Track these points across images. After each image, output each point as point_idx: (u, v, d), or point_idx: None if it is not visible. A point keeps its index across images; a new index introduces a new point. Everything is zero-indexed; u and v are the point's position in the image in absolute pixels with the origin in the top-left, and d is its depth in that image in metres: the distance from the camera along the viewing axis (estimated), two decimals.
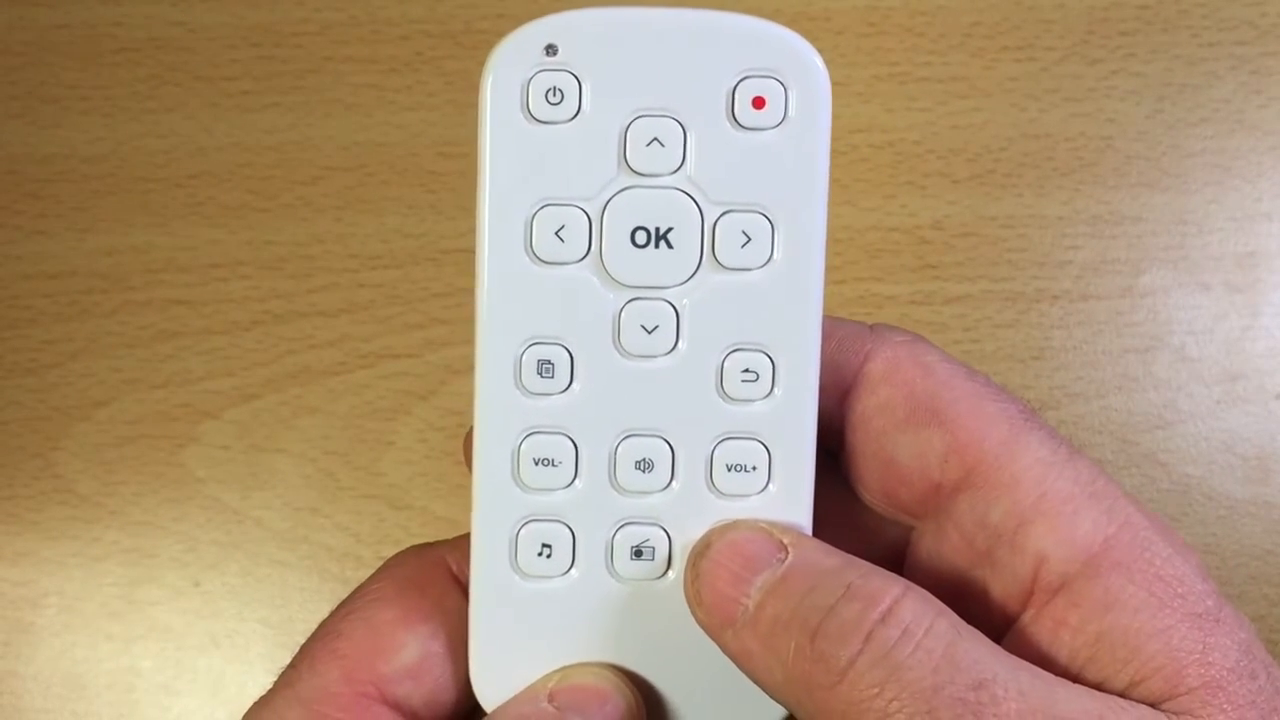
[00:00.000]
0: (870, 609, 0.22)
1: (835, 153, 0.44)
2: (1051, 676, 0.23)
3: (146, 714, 0.45)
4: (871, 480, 0.26)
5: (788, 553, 0.24)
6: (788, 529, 0.24)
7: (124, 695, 0.45)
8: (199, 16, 0.46)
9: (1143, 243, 0.45)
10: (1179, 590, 0.23)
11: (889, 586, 0.23)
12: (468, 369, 0.46)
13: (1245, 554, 0.44)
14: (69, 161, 0.46)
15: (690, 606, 0.24)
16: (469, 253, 0.49)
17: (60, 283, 0.46)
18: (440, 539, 0.28)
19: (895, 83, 0.45)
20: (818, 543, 0.24)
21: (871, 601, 0.22)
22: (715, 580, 0.24)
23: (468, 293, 0.45)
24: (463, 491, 0.44)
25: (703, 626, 0.24)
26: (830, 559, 0.24)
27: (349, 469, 0.45)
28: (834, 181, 0.43)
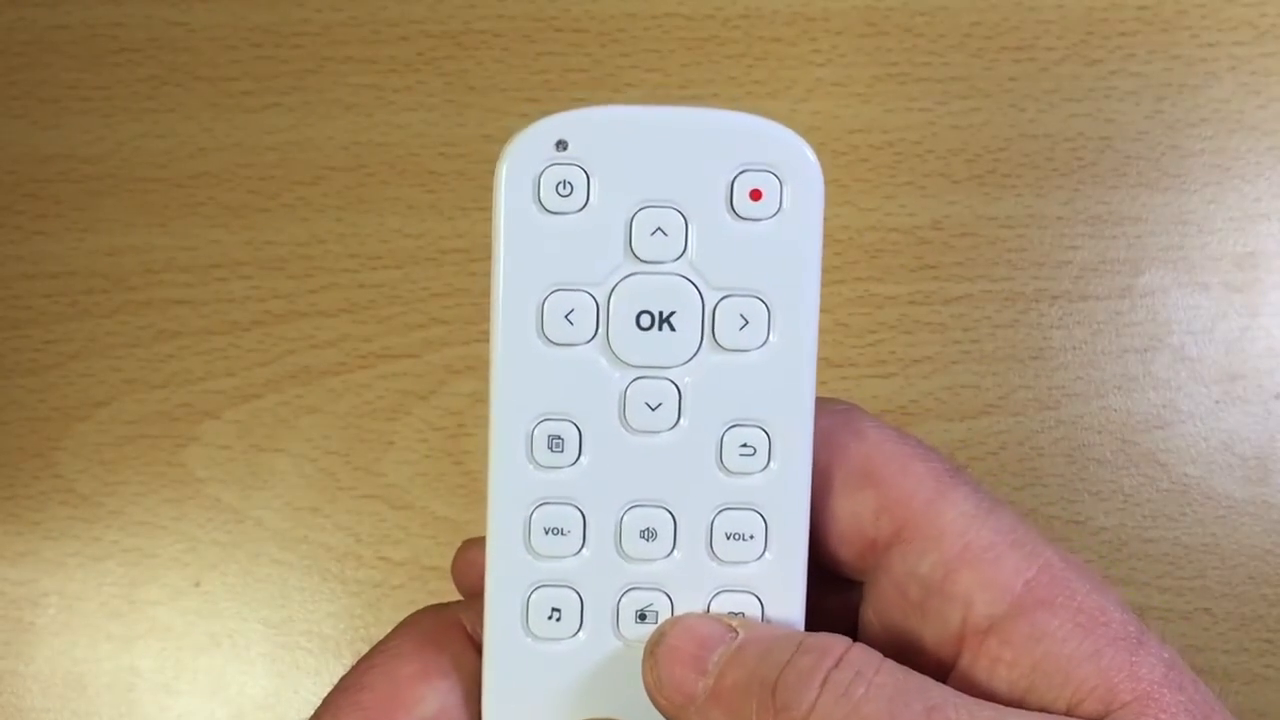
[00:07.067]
0: (824, 658, 0.24)
1: (835, 153, 0.45)
2: (999, 705, 0.24)
3: (146, 714, 0.45)
4: (814, 542, 0.27)
5: (738, 632, 0.25)
6: (734, 615, 0.26)
7: (124, 695, 0.45)
8: (199, 16, 0.46)
9: (1142, 243, 0.45)
10: (1101, 619, 0.25)
11: (837, 641, 0.24)
12: (467, 369, 0.46)
13: (1245, 554, 0.44)
14: (69, 161, 0.46)
15: (650, 694, 0.25)
16: (468, 253, 0.49)
17: (60, 283, 0.46)
18: (453, 601, 0.29)
19: (895, 83, 0.45)
20: (765, 623, 0.26)
21: (824, 653, 0.24)
22: (673, 664, 0.25)
23: (467, 293, 0.45)
24: (461, 491, 0.44)
25: (663, 713, 0.25)
26: (779, 630, 0.25)
27: (349, 469, 0.45)
28: (834, 182, 0.43)
